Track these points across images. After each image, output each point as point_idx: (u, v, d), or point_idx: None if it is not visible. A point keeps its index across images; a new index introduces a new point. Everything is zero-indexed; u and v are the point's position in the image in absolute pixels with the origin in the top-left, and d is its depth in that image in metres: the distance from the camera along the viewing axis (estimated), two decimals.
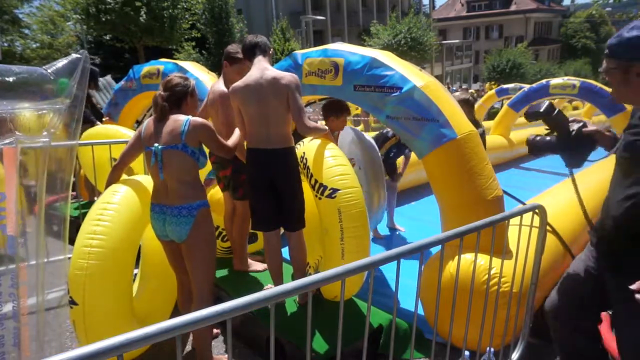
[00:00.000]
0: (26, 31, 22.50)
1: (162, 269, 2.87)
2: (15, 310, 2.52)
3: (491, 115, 13.24)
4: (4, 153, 2.53)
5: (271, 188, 2.80)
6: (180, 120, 2.41)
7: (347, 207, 2.73)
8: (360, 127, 11.18)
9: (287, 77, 2.71)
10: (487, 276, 2.38)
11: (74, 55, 2.70)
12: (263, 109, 2.71)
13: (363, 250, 2.77)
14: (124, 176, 2.81)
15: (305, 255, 3.02)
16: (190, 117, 2.44)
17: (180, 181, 2.39)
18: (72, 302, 2.44)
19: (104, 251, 2.44)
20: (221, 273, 3.55)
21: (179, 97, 2.47)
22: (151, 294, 3.02)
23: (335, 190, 2.75)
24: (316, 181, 2.84)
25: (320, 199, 2.81)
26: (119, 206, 2.56)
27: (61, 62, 2.69)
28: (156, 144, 2.40)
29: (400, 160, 5.11)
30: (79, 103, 2.68)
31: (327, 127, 3.02)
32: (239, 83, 2.78)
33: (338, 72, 3.28)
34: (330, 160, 2.85)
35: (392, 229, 5.21)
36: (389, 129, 4.63)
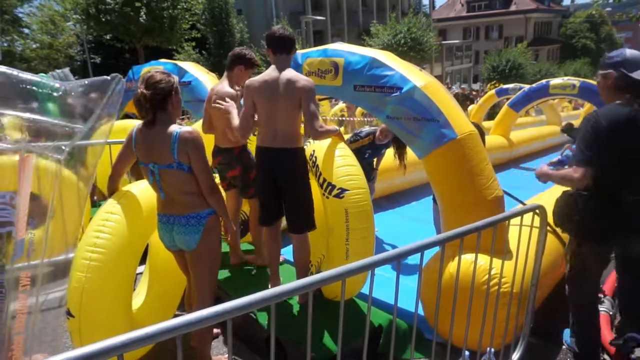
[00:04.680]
0: (26, 31, 22.50)
1: (166, 280, 2.86)
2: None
3: (491, 115, 13.21)
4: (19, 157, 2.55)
5: (276, 186, 2.83)
6: (169, 132, 2.25)
7: (355, 208, 2.73)
8: (341, 129, 10.88)
9: (303, 80, 2.72)
10: (487, 276, 2.38)
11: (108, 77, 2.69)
12: (273, 107, 2.73)
13: (368, 251, 2.76)
14: (127, 182, 2.77)
15: (308, 257, 3.04)
16: (179, 128, 2.27)
17: (185, 193, 2.32)
18: (69, 314, 2.41)
19: (103, 265, 2.39)
20: (221, 273, 3.53)
21: (164, 95, 2.27)
22: (154, 303, 2.96)
23: (343, 190, 2.75)
24: (324, 180, 2.84)
25: (327, 198, 2.81)
26: (120, 217, 2.50)
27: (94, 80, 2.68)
28: (152, 163, 2.30)
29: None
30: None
31: (337, 128, 3.01)
32: (257, 78, 2.81)
33: (338, 72, 3.28)
34: (339, 160, 2.86)
35: None
36: (362, 130, 4.56)
